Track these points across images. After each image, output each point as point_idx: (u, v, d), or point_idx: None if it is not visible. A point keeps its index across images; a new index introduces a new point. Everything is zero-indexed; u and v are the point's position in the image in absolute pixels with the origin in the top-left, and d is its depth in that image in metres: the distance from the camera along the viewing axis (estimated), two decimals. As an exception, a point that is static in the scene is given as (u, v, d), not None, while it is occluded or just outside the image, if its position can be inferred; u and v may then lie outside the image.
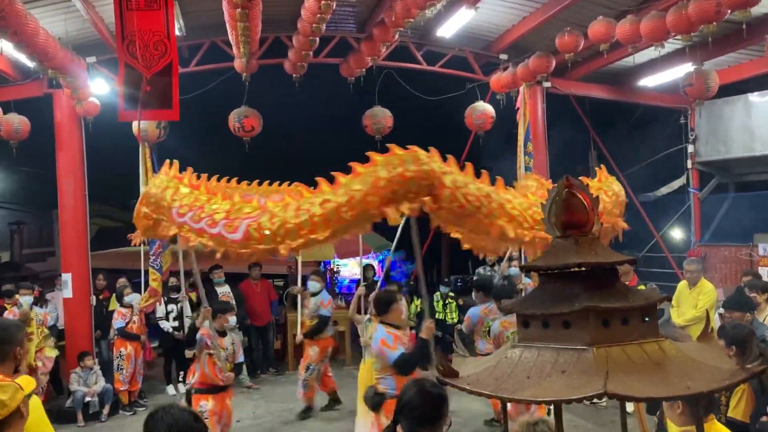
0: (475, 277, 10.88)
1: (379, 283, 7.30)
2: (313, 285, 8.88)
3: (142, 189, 9.61)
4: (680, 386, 1.71)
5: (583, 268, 1.93)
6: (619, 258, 1.99)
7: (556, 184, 2.10)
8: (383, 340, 5.11)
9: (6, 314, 8.56)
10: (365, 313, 7.01)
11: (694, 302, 7.67)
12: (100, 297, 10.14)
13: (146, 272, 9.75)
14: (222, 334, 6.58)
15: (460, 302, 11.36)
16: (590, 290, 1.89)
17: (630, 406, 7.32)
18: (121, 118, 6.13)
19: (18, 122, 9.38)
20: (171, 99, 5.72)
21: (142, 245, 9.63)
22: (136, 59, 5.50)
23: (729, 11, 6.68)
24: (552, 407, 1.89)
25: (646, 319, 1.89)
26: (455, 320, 11.09)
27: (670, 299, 7.47)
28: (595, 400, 6.24)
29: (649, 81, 11.30)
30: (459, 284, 14.53)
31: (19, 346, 3.46)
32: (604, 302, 1.84)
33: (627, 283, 7.78)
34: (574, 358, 1.79)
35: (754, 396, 4.01)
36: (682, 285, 8.00)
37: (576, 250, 1.97)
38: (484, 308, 7.34)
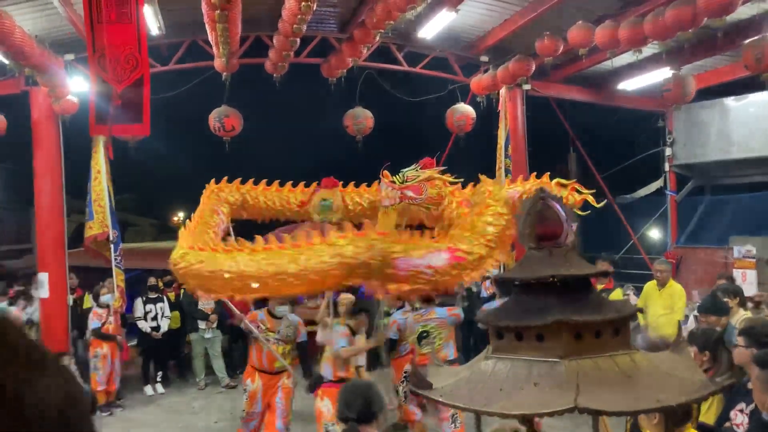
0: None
1: None
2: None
3: (94, 186, 9.62)
4: (651, 399, 1.73)
5: (557, 280, 1.95)
6: (593, 270, 2.02)
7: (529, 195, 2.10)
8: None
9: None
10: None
11: (665, 303, 7.73)
12: (74, 296, 10.03)
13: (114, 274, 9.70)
14: (275, 317, 6.88)
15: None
16: (563, 302, 1.91)
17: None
18: (92, 132, 6.09)
19: (-5, 120, 9.25)
20: (142, 113, 5.65)
21: (111, 244, 9.60)
22: (107, 72, 5.44)
23: (705, 18, 6.77)
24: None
25: (618, 331, 1.91)
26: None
27: (642, 311, 7.54)
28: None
29: (628, 84, 11.41)
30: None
31: None
32: (576, 315, 1.85)
33: (604, 286, 7.82)
34: (546, 370, 1.81)
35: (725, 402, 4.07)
36: (651, 286, 8.06)
37: (550, 261, 1.99)
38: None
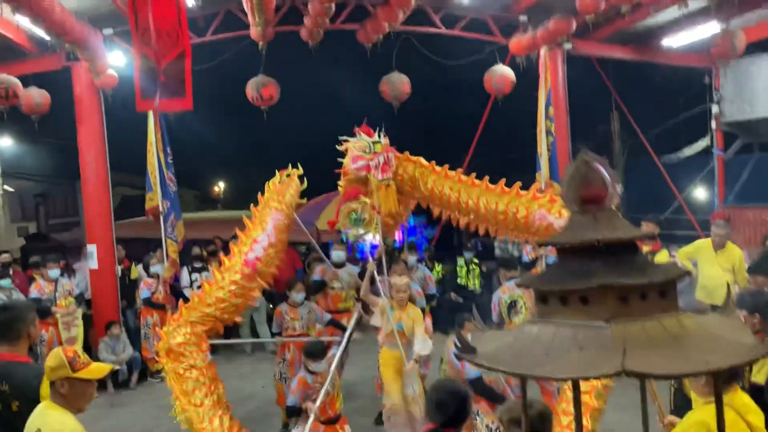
0: (496, 244, 10.89)
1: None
2: (338, 255, 8.71)
3: (150, 158, 9.76)
4: (700, 362, 1.70)
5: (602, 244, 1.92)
6: (639, 233, 1.98)
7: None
8: None
9: (34, 286, 8.78)
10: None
11: (724, 265, 7.53)
12: (122, 267, 10.29)
13: (165, 244, 9.87)
14: (297, 305, 7.48)
15: (483, 268, 11.37)
16: (609, 266, 1.88)
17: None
18: (139, 108, 6.15)
19: (38, 96, 9.44)
20: (184, 88, 5.70)
21: (161, 216, 9.78)
22: (150, 48, 5.49)
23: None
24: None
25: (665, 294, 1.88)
26: (478, 286, 11.12)
27: (690, 274, 7.33)
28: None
29: (673, 41, 11.05)
30: (480, 249, 14.53)
31: (32, 325, 3.56)
32: (622, 278, 1.82)
33: (650, 248, 7.69)
34: (592, 334, 1.79)
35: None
36: (704, 245, 7.87)
37: (594, 225, 1.95)
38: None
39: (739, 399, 2.95)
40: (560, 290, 1.91)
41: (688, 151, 13.14)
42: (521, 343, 1.92)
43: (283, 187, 6.04)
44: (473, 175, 6.03)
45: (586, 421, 4.66)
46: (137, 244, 12.87)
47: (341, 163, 6.10)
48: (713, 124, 12.17)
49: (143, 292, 9.43)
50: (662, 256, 7.82)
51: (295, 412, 5.91)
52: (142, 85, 5.66)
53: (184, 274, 10.27)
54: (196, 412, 5.22)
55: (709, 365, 1.70)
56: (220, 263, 5.91)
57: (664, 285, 1.88)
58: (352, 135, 6.09)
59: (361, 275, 7.14)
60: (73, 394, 3.06)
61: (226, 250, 10.48)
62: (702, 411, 2.90)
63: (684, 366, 1.70)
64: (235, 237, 9.62)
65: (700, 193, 13.02)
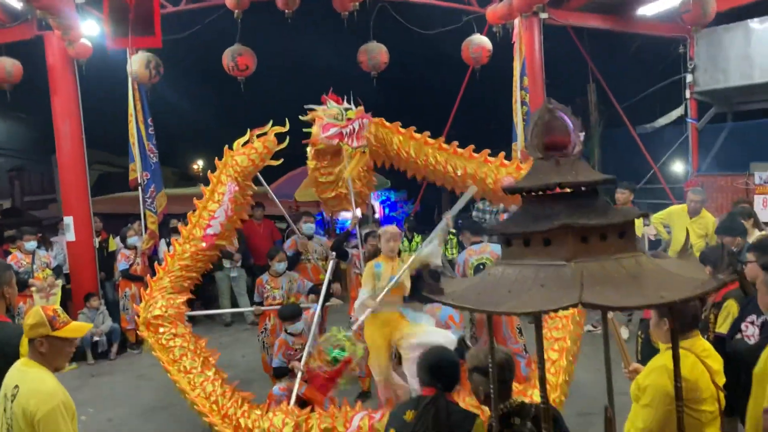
0: (474, 213, 10.98)
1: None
2: (308, 227, 8.73)
3: (131, 129, 9.63)
4: (654, 296, 1.78)
5: (564, 189, 1.99)
6: (599, 177, 2.05)
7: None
8: (451, 316, 5.82)
9: (10, 258, 8.72)
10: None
11: (698, 232, 7.67)
12: (99, 239, 10.23)
13: (144, 215, 9.82)
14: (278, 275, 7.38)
15: (461, 238, 11.49)
16: (570, 209, 1.95)
17: (625, 333, 7.52)
18: (110, 46, 6.15)
19: (10, 66, 9.30)
20: (153, 25, 5.70)
21: (140, 188, 9.71)
22: None
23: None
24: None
25: (624, 234, 1.95)
26: (455, 256, 11.23)
27: (647, 215, 7.42)
28: (590, 328, 6.42)
29: (648, 9, 11.11)
30: (459, 221, 14.62)
31: (7, 286, 3.56)
32: (583, 219, 1.90)
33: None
34: (553, 273, 1.86)
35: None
36: (679, 209, 8.03)
37: (556, 170, 2.02)
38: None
39: (699, 344, 3.06)
40: (523, 232, 1.98)
41: (663, 120, 13.28)
42: (486, 284, 2.00)
43: (242, 152, 6.01)
44: (441, 138, 6.14)
45: (564, 362, 5.06)
46: (116, 219, 12.80)
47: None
48: (687, 94, 12.29)
49: (121, 264, 9.41)
50: (636, 224, 7.95)
51: (283, 372, 6.00)
52: (113, 24, 5.65)
53: (162, 246, 10.25)
54: (186, 379, 5.29)
55: (663, 299, 1.78)
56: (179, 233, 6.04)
57: (623, 226, 1.96)
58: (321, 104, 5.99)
59: (336, 245, 7.14)
60: (51, 353, 3.09)
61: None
62: (664, 356, 3.00)
63: (639, 300, 1.78)
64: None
65: (675, 162, 13.18)
